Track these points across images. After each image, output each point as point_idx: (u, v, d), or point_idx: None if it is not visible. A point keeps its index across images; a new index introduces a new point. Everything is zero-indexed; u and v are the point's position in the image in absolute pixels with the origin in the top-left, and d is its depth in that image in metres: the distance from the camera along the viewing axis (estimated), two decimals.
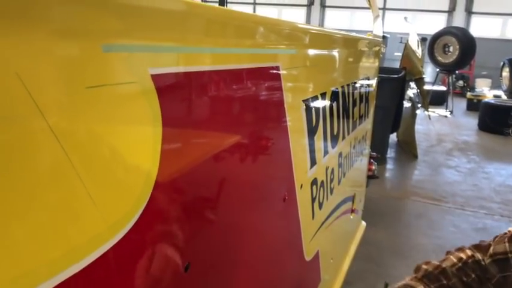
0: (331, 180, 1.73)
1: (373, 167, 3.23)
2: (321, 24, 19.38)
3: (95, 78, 0.51)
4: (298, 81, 1.25)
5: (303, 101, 1.29)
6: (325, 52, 1.50)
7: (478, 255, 1.16)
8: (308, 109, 1.32)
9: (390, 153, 7.32)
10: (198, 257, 0.79)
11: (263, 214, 1.08)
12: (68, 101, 0.48)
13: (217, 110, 0.78)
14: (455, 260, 1.18)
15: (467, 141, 8.36)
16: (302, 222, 1.39)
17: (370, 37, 2.30)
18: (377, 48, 2.44)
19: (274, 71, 1.05)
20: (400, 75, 6.51)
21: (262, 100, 1.00)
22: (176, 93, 0.67)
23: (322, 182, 1.59)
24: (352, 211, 2.44)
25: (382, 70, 7.01)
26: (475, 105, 11.10)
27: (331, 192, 1.76)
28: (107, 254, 0.55)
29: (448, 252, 1.24)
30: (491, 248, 1.15)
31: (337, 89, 1.67)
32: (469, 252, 1.19)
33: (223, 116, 0.81)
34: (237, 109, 0.86)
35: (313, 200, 1.50)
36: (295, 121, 1.22)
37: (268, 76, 1.02)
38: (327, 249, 1.82)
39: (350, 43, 1.87)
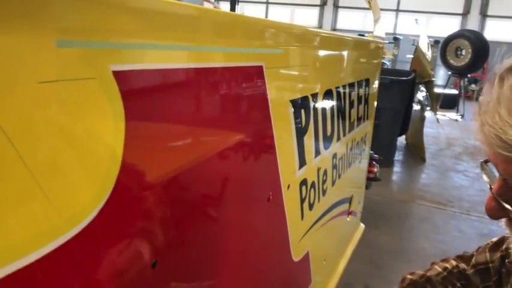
0: (324, 182, 1.73)
1: (375, 169, 3.20)
2: (334, 25, 19.32)
3: (48, 74, 0.52)
4: (285, 81, 1.24)
5: (291, 101, 1.28)
6: (316, 53, 1.50)
7: (463, 265, 1.18)
8: (296, 110, 1.32)
9: (398, 156, 7.28)
10: (167, 257, 0.79)
11: (243, 213, 1.08)
12: (18, 95, 0.49)
13: (186, 107, 0.78)
14: (440, 270, 1.19)
15: (477, 146, 8.25)
16: (289, 222, 1.39)
17: (370, 38, 2.29)
18: (378, 49, 2.43)
19: (257, 70, 1.04)
20: (409, 77, 6.47)
21: (241, 99, 1.00)
22: (141, 91, 0.67)
23: (312, 182, 1.58)
24: (350, 213, 2.43)
25: (391, 72, 6.99)
26: None
27: (324, 194, 1.75)
28: (60, 249, 0.55)
29: (433, 263, 1.25)
30: (474, 259, 1.17)
31: (330, 90, 1.67)
32: (453, 263, 1.20)
33: (193, 112, 0.81)
34: (211, 107, 0.86)
35: (302, 200, 1.50)
36: (281, 122, 1.22)
37: (249, 75, 1.02)
38: (319, 251, 1.81)
39: (345, 44, 1.86)
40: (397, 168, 6.74)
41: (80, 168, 0.58)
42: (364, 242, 3.76)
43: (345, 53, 1.81)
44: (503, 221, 0.82)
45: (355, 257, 2.73)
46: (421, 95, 7.84)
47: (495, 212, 0.79)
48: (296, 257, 1.52)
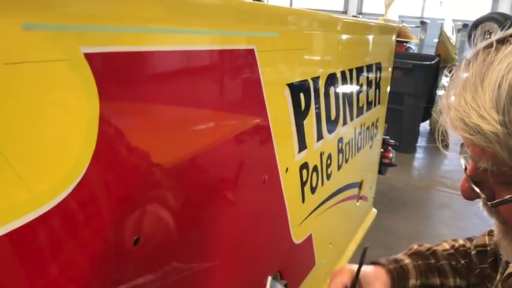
0: (328, 166, 1.73)
1: (391, 155, 3.16)
2: (359, 9, 19.00)
3: (14, 56, 0.54)
4: (280, 65, 1.24)
5: (288, 84, 1.28)
6: (318, 36, 1.49)
7: (469, 245, 1.22)
8: (294, 94, 1.32)
9: (421, 141, 7.19)
10: (150, 234, 0.81)
11: (235, 194, 1.10)
12: None
13: (164, 89, 0.80)
14: (447, 247, 1.24)
15: None
16: (288, 205, 1.40)
17: (381, 22, 2.26)
18: (390, 33, 2.39)
19: (249, 53, 1.05)
20: (432, 62, 6.35)
21: (231, 80, 1.01)
22: (116, 73, 0.69)
23: (314, 166, 1.59)
24: (360, 198, 2.42)
25: (415, 56, 6.84)
26: None
27: (328, 178, 1.75)
28: (31, 224, 0.58)
29: (443, 241, 1.29)
30: (475, 240, 1.19)
31: (335, 73, 1.66)
32: (461, 242, 1.25)
33: (171, 93, 0.82)
34: (190, 87, 0.87)
35: (303, 184, 1.51)
36: (276, 106, 1.22)
37: (240, 57, 1.03)
38: (323, 234, 1.82)
39: (350, 27, 1.84)
40: (419, 154, 6.66)
41: (53, 147, 0.60)
42: (381, 227, 3.75)
43: (350, 36, 1.80)
44: (480, 203, 0.82)
45: (371, 242, 2.72)
46: (445, 80, 7.68)
47: (468, 193, 0.80)
48: (297, 239, 1.54)
